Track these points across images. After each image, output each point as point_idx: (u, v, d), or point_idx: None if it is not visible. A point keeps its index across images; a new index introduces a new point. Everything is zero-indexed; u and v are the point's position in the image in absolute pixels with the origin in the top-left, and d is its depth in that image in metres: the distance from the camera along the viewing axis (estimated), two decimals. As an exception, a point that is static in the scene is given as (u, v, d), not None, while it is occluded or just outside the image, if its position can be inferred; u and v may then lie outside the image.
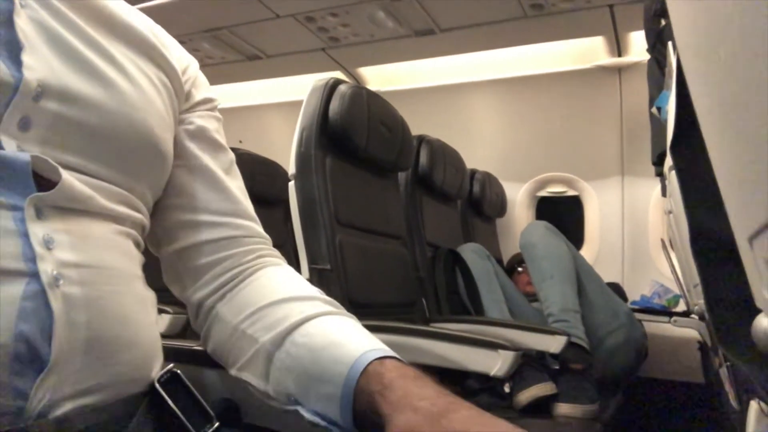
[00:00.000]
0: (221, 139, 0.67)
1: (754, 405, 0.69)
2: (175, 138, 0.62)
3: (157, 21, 0.67)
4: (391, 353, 0.51)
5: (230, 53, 2.56)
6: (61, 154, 0.46)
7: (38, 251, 0.42)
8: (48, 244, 0.43)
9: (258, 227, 0.66)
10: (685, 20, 0.35)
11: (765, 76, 0.22)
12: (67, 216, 0.46)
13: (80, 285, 0.44)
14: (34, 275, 0.41)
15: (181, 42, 0.67)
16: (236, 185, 0.66)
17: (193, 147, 0.63)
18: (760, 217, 0.23)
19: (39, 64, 0.45)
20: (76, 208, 0.47)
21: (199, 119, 0.65)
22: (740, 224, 0.29)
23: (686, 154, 0.52)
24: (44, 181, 0.44)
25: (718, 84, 0.30)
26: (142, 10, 0.62)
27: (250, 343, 0.56)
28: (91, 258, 0.46)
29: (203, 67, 0.69)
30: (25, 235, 0.42)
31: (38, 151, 0.44)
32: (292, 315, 0.55)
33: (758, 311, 0.36)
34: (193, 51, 2.37)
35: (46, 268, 0.42)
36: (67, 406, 0.43)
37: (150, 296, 0.57)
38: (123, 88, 0.52)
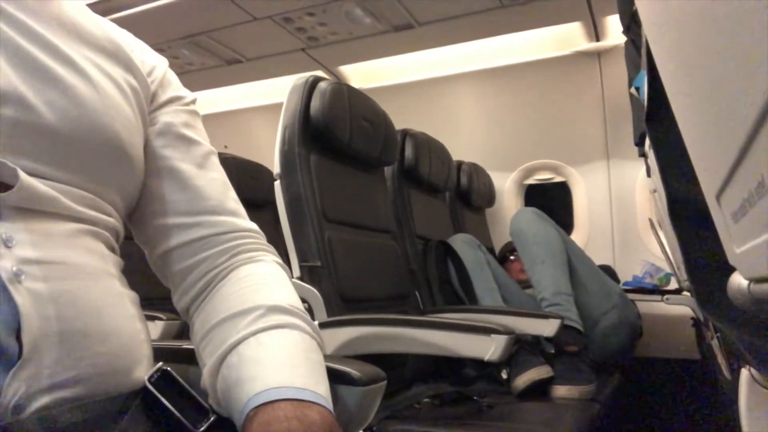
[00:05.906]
0: (192, 132, 0.66)
1: (744, 372, 0.70)
2: (145, 141, 0.62)
3: (135, 30, 0.67)
4: (295, 391, 0.49)
5: (210, 59, 2.55)
6: (22, 159, 0.46)
7: None
8: (7, 242, 0.44)
9: (238, 220, 0.65)
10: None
11: (716, 41, 0.23)
12: (29, 216, 0.47)
13: (44, 280, 0.45)
14: None
15: (160, 50, 0.67)
16: (213, 178, 0.65)
17: (159, 147, 0.63)
18: (723, 172, 0.24)
19: None
20: (39, 209, 0.47)
21: (166, 116, 0.64)
22: (707, 183, 0.29)
23: (661, 125, 0.53)
24: (4, 185, 0.45)
25: (678, 51, 0.30)
26: (119, 19, 0.63)
27: (203, 365, 0.57)
28: (54, 255, 0.47)
29: (184, 74, 0.69)
30: None
31: None
32: (229, 338, 0.55)
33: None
34: (172, 58, 2.38)
35: (5, 265, 0.43)
36: (44, 399, 0.43)
37: (129, 294, 0.57)
38: (85, 93, 0.52)
